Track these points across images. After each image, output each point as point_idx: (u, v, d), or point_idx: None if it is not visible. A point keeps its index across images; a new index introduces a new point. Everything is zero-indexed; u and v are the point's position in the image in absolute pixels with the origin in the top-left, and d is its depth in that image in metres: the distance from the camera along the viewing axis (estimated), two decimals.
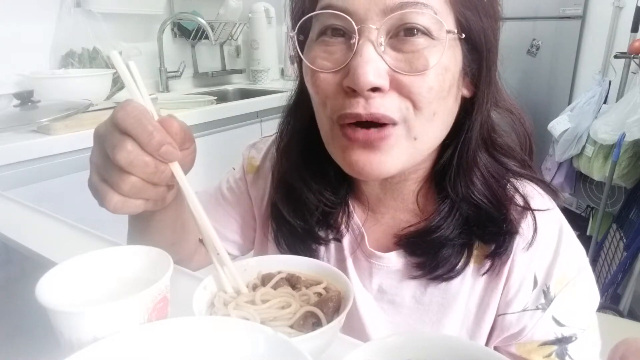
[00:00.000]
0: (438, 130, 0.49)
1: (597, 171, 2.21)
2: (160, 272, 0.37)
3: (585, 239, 2.34)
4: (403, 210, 0.57)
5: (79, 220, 0.69)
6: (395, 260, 0.55)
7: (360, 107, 0.44)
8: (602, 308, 1.78)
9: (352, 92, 0.44)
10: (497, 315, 0.54)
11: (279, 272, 0.45)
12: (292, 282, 0.44)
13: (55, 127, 1.27)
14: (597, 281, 2.09)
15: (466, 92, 0.51)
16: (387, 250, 0.56)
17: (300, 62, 0.52)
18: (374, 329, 0.56)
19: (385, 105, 0.44)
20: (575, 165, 2.41)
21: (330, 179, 0.57)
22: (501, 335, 0.55)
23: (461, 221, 0.52)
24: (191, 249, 0.62)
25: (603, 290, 1.91)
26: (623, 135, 2.00)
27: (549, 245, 0.53)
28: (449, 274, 0.52)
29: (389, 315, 0.57)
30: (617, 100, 2.37)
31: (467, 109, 0.51)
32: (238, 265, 0.44)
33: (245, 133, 1.81)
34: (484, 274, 0.53)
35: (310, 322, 0.38)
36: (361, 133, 0.46)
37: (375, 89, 0.43)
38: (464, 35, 0.46)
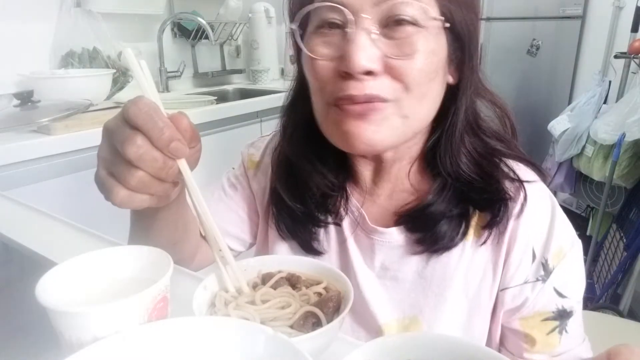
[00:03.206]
0: (426, 110, 0.53)
1: (597, 171, 2.21)
2: (160, 272, 0.37)
3: (585, 239, 2.33)
4: (399, 191, 0.60)
5: (79, 220, 0.69)
6: (397, 235, 0.57)
7: (355, 89, 0.48)
8: (602, 308, 1.78)
9: (347, 76, 0.48)
10: (500, 290, 0.56)
11: (279, 272, 0.45)
12: (292, 281, 0.44)
13: (55, 127, 1.27)
14: (597, 281, 2.10)
15: (451, 79, 0.55)
16: (388, 227, 0.58)
17: (299, 55, 0.56)
18: (377, 307, 0.58)
19: (378, 86, 0.48)
20: (575, 165, 2.40)
21: (330, 165, 0.60)
22: (504, 309, 0.57)
23: (456, 195, 0.55)
24: (192, 249, 0.63)
25: (603, 290, 1.90)
26: (623, 135, 2.00)
27: (544, 219, 0.56)
28: (449, 244, 0.55)
29: (391, 292, 0.58)
30: (617, 100, 2.37)
31: (452, 95, 0.55)
32: (238, 265, 0.44)
33: (245, 133, 1.81)
34: (482, 244, 0.56)
35: (310, 322, 0.38)
36: (352, 107, 0.49)
37: (368, 73, 0.47)
38: (448, 25, 0.50)
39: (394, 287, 0.58)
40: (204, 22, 1.98)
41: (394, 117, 0.50)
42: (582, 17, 2.71)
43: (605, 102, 2.35)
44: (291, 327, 0.38)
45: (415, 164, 0.59)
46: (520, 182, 0.56)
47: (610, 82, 2.38)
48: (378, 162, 0.59)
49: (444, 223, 0.55)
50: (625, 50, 2.35)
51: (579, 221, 2.58)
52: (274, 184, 0.64)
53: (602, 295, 1.90)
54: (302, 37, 0.54)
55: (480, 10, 0.55)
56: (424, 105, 0.51)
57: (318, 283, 0.43)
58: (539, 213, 0.56)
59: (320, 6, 0.49)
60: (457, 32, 0.52)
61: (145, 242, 0.48)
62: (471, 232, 0.56)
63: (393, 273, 0.58)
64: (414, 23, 0.48)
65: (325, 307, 0.39)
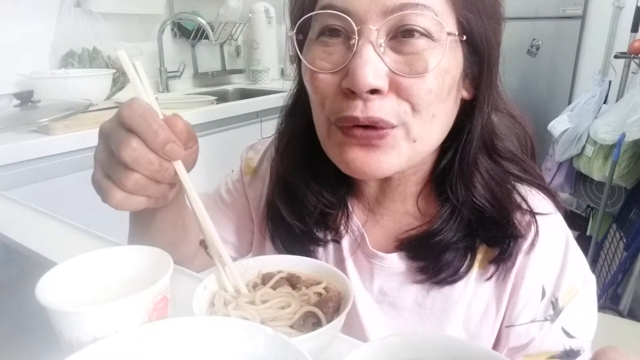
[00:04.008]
0: (437, 132, 0.48)
1: (597, 171, 2.21)
2: (160, 272, 0.37)
3: (585, 239, 2.34)
4: (403, 213, 0.57)
5: (79, 220, 0.69)
6: (397, 262, 0.55)
7: (358, 111, 0.44)
8: (602, 308, 1.78)
9: (350, 94, 0.44)
10: (505, 327, 0.54)
11: (279, 272, 0.45)
12: (292, 282, 0.44)
13: (55, 127, 1.27)
14: (597, 281, 2.08)
15: (466, 95, 0.50)
16: (388, 252, 0.55)
17: (299, 62, 0.52)
18: (374, 331, 0.56)
19: (384, 108, 0.44)
20: (575, 165, 2.40)
21: (329, 179, 0.57)
22: (508, 346, 0.54)
23: (464, 224, 0.52)
24: (193, 250, 0.62)
25: (603, 290, 1.90)
26: (623, 135, 2.00)
27: (556, 256, 0.53)
28: (453, 277, 0.52)
29: (389, 318, 0.56)
30: (617, 100, 2.37)
31: (467, 112, 0.51)
32: (238, 265, 0.44)
33: (245, 133, 1.81)
34: (487, 279, 0.53)
35: (310, 322, 0.38)
36: (359, 131, 0.45)
37: (374, 91, 0.43)
38: (465, 37, 0.45)
39: (391, 314, 0.56)
40: (204, 22, 1.99)
41: (401, 142, 0.46)
42: (582, 17, 2.71)
43: (605, 102, 2.35)
44: (291, 327, 0.38)
45: (423, 186, 0.55)
46: (533, 214, 0.52)
47: (610, 82, 2.38)
48: (383, 179, 0.55)
49: (448, 254, 0.51)
50: (625, 50, 2.35)
51: (579, 221, 2.58)
52: (270, 198, 0.60)
53: (602, 295, 1.90)
54: (302, 43, 0.50)
55: (503, 14, 0.49)
56: (434, 127, 0.47)
57: (318, 283, 0.43)
58: (551, 249, 0.52)
59: (322, 12, 0.45)
60: (475, 44, 0.47)
61: (144, 241, 0.48)
62: (476, 264, 0.53)
63: (391, 299, 0.56)
64: (426, 35, 0.43)
65: (325, 307, 0.39)
